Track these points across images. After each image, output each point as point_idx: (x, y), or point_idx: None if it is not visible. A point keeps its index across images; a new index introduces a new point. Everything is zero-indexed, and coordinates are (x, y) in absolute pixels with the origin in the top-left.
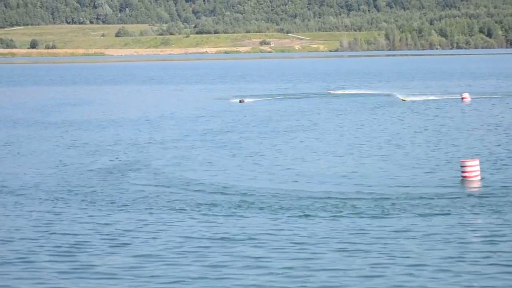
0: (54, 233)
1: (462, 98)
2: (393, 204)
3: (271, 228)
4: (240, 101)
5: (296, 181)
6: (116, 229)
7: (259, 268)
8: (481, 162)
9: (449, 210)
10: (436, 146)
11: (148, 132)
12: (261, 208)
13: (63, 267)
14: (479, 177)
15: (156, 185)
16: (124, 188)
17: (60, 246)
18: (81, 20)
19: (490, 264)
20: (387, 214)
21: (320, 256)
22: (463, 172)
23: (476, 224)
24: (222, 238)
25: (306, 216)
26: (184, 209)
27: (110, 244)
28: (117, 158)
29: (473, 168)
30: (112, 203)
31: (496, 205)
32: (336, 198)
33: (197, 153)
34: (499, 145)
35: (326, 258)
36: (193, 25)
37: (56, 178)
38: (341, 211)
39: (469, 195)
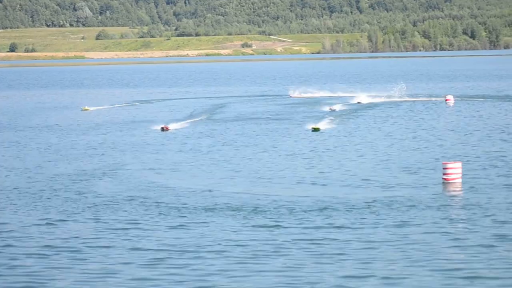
0: (9, 245)
1: (446, 100)
2: (369, 207)
3: (243, 237)
4: (163, 129)
5: (268, 187)
6: (76, 240)
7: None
8: (463, 165)
9: (425, 215)
10: (418, 148)
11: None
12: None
13: (16, 281)
14: (460, 180)
15: (119, 193)
16: (87, 195)
17: (15, 259)
18: (61, 23)
19: (462, 277)
20: (364, 219)
21: (292, 267)
22: (444, 174)
23: (452, 230)
24: (182, 250)
25: (275, 225)
26: (149, 218)
27: (69, 256)
28: (85, 163)
29: (454, 170)
30: (72, 211)
31: (472, 210)
32: (311, 204)
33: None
34: (482, 147)
35: (299, 269)
36: (174, 28)
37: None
38: (316, 218)
39: (448, 198)
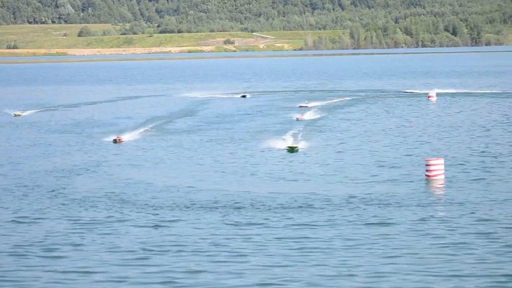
0: None
1: (429, 97)
2: (351, 204)
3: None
4: (115, 141)
5: (246, 185)
6: (48, 238)
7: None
8: (445, 161)
9: (407, 212)
10: (401, 144)
11: None
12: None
13: None
14: (443, 176)
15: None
16: (55, 193)
17: None
18: (43, 20)
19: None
20: (345, 216)
21: (270, 265)
22: (427, 170)
23: (433, 226)
24: (159, 249)
25: (253, 223)
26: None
27: (42, 255)
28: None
29: (437, 167)
30: (45, 209)
31: (454, 207)
32: (291, 201)
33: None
34: (465, 144)
35: (265, 270)
36: (156, 25)
37: None
38: (296, 216)
39: (430, 194)
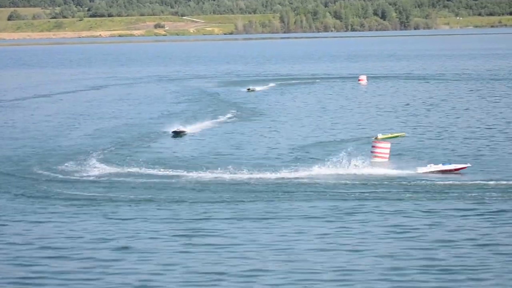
0: None
1: (359, 80)
2: (283, 187)
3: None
4: None
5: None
6: None
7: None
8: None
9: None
10: (334, 125)
11: None
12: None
13: None
14: (387, 159)
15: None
16: None
17: None
18: None
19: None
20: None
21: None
22: (372, 152)
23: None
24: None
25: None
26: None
27: None
28: None
29: (383, 150)
30: None
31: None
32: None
33: None
34: (398, 124)
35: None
36: (86, 8)
37: None
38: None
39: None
